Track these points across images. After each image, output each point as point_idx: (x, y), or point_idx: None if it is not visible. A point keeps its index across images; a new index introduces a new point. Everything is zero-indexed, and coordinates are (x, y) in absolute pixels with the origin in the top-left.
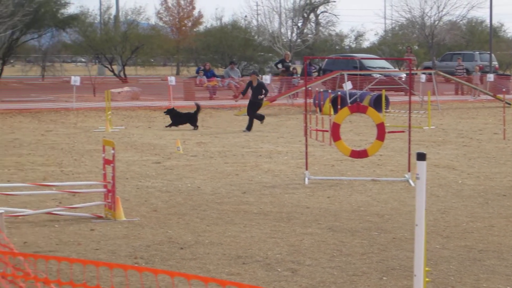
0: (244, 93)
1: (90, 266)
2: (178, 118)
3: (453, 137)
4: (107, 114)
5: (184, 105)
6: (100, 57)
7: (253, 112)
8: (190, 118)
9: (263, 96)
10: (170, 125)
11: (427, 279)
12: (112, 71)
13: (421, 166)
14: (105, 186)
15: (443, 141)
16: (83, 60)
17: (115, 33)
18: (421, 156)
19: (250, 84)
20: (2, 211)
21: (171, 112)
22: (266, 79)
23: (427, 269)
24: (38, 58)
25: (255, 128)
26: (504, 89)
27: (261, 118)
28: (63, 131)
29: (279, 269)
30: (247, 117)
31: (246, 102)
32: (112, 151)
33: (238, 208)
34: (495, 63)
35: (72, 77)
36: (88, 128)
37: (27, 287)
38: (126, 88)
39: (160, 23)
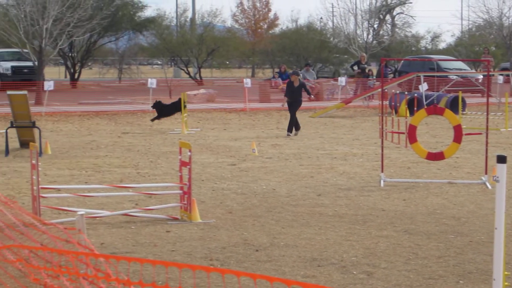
0: (286, 94)
1: (171, 268)
2: (165, 109)
3: None
4: (183, 116)
5: (259, 107)
6: (176, 60)
7: (294, 112)
8: (177, 107)
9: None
10: (154, 119)
11: (506, 283)
12: (188, 73)
13: (501, 168)
14: (181, 188)
15: None
16: (159, 62)
17: (191, 36)
18: (501, 159)
19: (291, 84)
20: (83, 212)
21: (157, 105)
22: (342, 81)
23: (506, 273)
24: (115, 61)
25: (330, 129)
26: None
27: (297, 127)
28: (139, 133)
29: (354, 272)
30: (322, 119)
31: (322, 104)
32: (189, 153)
33: (313, 210)
34: None
35: (149, 80)
36: (164, 130)
37: None
38: (201, 90)
39: (236, 26)
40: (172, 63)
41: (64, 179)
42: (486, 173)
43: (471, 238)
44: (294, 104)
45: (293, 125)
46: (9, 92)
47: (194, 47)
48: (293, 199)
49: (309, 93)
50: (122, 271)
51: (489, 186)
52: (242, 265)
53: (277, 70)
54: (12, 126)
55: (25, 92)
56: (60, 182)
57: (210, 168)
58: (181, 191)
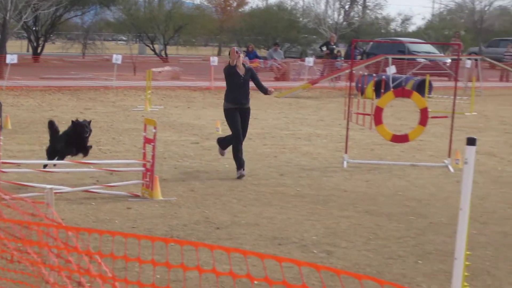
0: (230, 93)
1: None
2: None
3: (494, 124)
4: (147, 93)
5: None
6: (142, 36)
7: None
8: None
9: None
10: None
11: (467, 263)
12: (154, 50)
13: (470, 151)
14: (144, 165)
15: (484, 128)
16: (124, 38)
17: (159, 12)
18: (471, 141)
19: (232, 71)
20: (51, 187)
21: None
22: (309, 61)
23: (468, 252)
24: (80, 36)
25: (295, 110)
26: None
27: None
28: (102, 110)
29: (315, 251)
30: (287, 99)
31: (288, 84)
32: (154, 130)
33: (276, 190)
34: None
35: (114, 55)
36: (127, 107)
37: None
38: (167, 68)
39: (205, 3)
40: (138, 40)
41: (24, 154)
42: (449, 156)
43: (431, 220)
44: (242, 114)
45: (240, 159)
46: None
47: (161, 24)
48: (256, 178)
49: (265, 90)
50: (81, 246)
51: (452, 169)
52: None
53: (244, 49)
54: None
55: None
56: (20, 157)
57: (173, 146)
58: (143, 168)
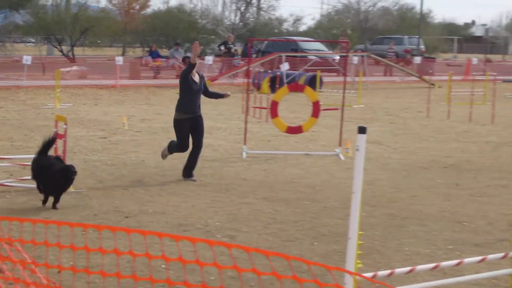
0: (183, 100)
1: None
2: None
3: (380, 115)
4: (56, 91)
5: (129, 84)
6: (50, 38)
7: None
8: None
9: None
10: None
11: (359, 242)
12: (61, 51)
13: (361, 138)
14: None
15: (371, 119)
16: (32, 40)
17: (66, 15)
18: (362, 130)
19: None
20: None
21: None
22: (209, 59)
23: (360, 232)
24: None
25: None
26: (430, 71)
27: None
28: (13, 108)
29: (218, 236)
30: None
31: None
32: (64, 126)
33: (180, 180)
34: (422, 46)
35: (24, 56)
36: (37, 105)
37: None
38: (74, 67)
39: (109, 6)
40: (46, 41)
41: None
42: (340, 146)
43: (325, 205)
44: (196, 122)
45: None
46: None
47: (68, 26)
48: (161, 170)
49: (220, 96)
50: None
51: (342, 158)
52: (107, 235)
53: (147, 49)
54: None
55: None
56: None
57: (82, 141)
58: None
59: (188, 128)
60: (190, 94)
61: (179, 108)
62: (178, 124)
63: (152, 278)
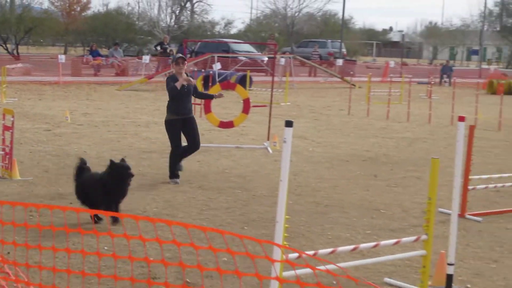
0: (173, 103)
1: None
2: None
3: (305, 112)
4: (2, 87)
5: (71, 81)
6: None
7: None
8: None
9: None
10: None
11: (286, 225)
12: (6, 49)
13: (288, 131)
14: (3, 150)
15: (297, 115)
16: None
17: (10, 15)
18: (288, 123)
19: (174, 81)
20: None
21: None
22: (146, 59)
23: (287, 216)
24: None
25: (134, 101)
26: (351, 72)
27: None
28: None
29: None
30: (127, 92)
31: (127, 79)
32: (12, 119)
33: None
34: (344, 50)
35: None
36: None
37: None
38: (19, 65)
39: (52, 7)
40: None
41: None
42: (268, 140)
43: (254, 193)
44: (189, 124)
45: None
46: None
47: (13, 26)
48: (102, 160)
49: (211, 97)
50: None
51: (270, 151)
52: (58, 216)
53: (88, 48)
54: None
55: None
56: None
57: (27, 133)
58: (3, 152)
59: (179, 129)
60: (178, 96)
61: (169, 109)
62: (169, 126)
63: (98, 253)
